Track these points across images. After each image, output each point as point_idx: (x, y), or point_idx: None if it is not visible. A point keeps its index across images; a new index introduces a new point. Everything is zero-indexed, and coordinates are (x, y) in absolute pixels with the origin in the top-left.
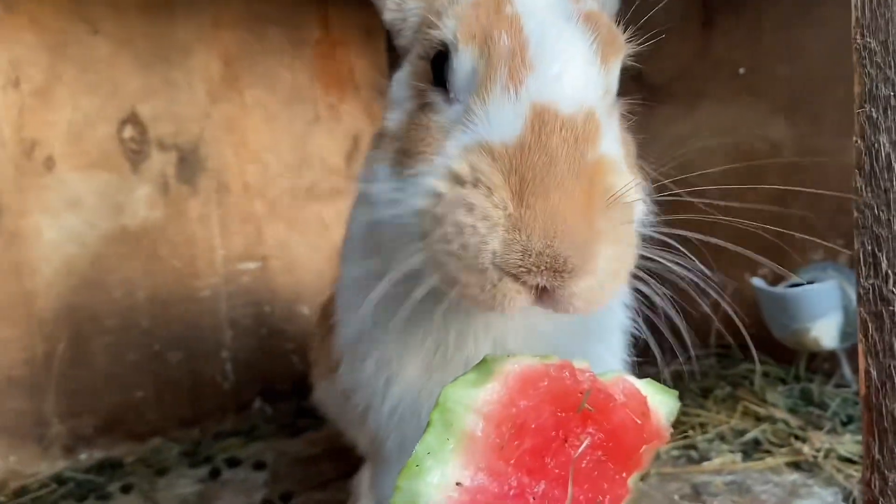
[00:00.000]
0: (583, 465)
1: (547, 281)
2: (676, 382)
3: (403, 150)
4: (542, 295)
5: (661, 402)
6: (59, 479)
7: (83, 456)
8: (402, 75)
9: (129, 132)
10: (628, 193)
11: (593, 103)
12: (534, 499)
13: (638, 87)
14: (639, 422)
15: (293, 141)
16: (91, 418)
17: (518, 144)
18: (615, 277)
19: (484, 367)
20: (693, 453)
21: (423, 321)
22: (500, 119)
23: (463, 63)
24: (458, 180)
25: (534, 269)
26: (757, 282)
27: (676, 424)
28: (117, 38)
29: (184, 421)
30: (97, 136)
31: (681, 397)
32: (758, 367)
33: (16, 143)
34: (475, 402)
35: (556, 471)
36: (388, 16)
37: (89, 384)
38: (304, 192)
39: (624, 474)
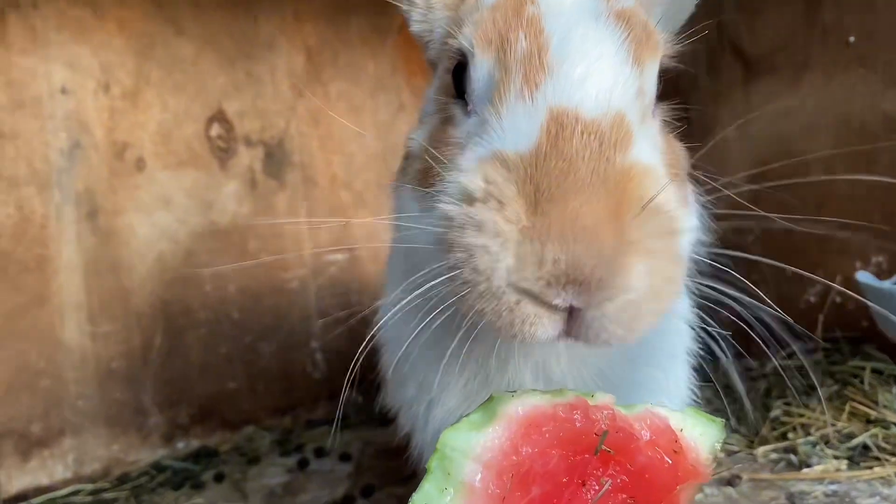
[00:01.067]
0: None
1: (572, 298)
2: (777, 378)
3: (424, 170)
4: (572, 321)
5: (701, 435)
6: (158, 467)
7: (180, 444)
8: (430, 91)
9: (216, 130)
10: (669, 203)
11: (623, 106)
12: None
13: (736, 59)
14: (668, 461)
15: (378, 131)
16: (187, 408)
17: (533, 152)
18: (657, 297)
19: (489, 407)
20: (792, 458)
21: (463, 346)
22: (515, 127)
23: (479, 71)
24: (469, 198)
25: (552, 280)
26: (863, 276)
27: (776, 425)
28: (201, 38)
29: (276, 410)
30: (185, 136)
31: (782, 395)
32: (869, 364)
33: (108, 146)
34: (474, 449)
35: None
36: (416, 27)
37: (184, 375)
38: (390, 180)
39: None
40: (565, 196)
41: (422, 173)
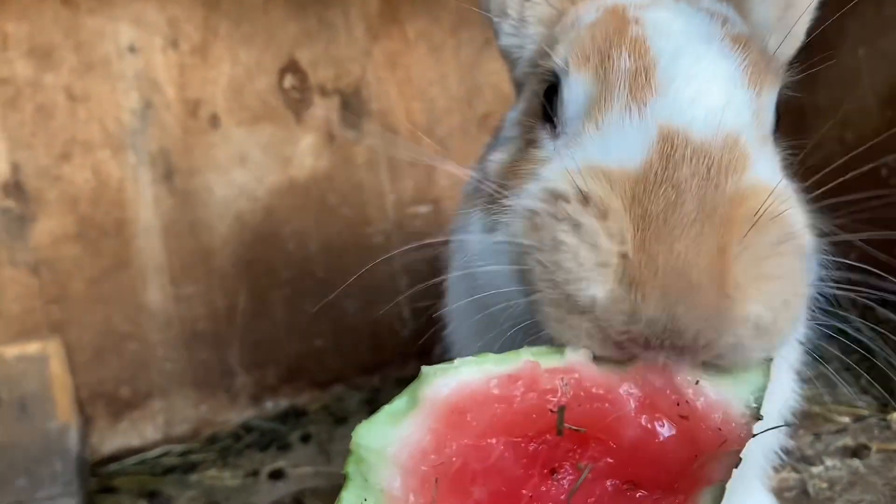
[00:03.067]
0: (591, 501)
1: (666, 357)
2: None
3: (498, 191)
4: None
5: (732, 385)
6: (247, 427)
7: (269, 404)
8: (514, 114)
9: (289, 81)
10: (786, 215)
11: (738, 128)
12: None
13: None
14: (671, 430)
15: (462, 72)
16: (274, 368)
17: (643, 171)
18: (774, 326)
19: (412, 390)
20: None
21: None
22: (620, 141)
23: (574, 90)
24: (560, 196)
25: (642, 339)
26: None
27: None
28: None
29: (365, 368)
30: (258, 89)
31: None
32: None
33: (180, 104)
34: (391, 448)
35: None
36: (505, 41)
37: (270, 335)
38: (475, 124)
39: (679, 499)
40: (671, 234)
41: (496, 194)
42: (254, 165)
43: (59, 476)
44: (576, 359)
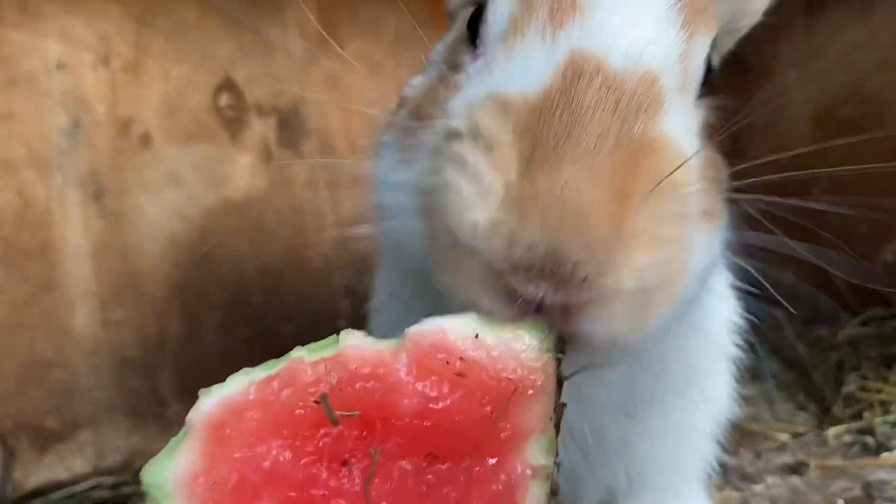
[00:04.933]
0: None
1: (547, 293)
2: (851, 349)
3: (411, 118)
4: (553, 310)
5: (515, 335)
6: None
7: None
8: (440, 43)
9: (225, 100)
10: (689, 182)
11: (660, 66)
12: None
13: None
14: (451, 391)
15: (401, 90)
16: None
17: (540, 98)
18: (666, 290)
19: (190, 414)
20: (869, 440)
21: None
22: (525, 66)
23: (498, 10)
24: (453, 134)
25: (521, 268)
26: None
27: (849, 402)
28: (204, 0)
29: None
30: (192, 107)
31: (857, 367)
32: None
33: (111, 122)
34: (169, 481)
35: None
36: None
37: (204, 362)
38: None
39: (491, 463)
40: (561, 160)
41: (408, 123)
42: (187, 186)
43: None
44: (350, 343)
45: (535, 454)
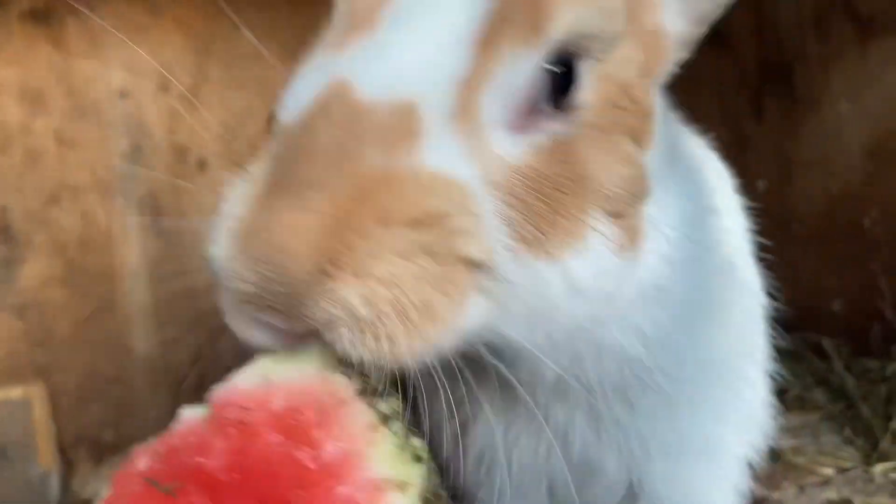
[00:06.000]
0: None
1: (279, 322)
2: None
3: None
4: None
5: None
6: None
7: None
8: None
9: None
10: (441, 214)
11: (420, 94)
12: None
13: (848, 17)
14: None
15: None
16: None
17: (294, 128)
18: (383, 325)
19: None
20: None
21: None
22: (298, 91)
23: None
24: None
25: (247, 300)
26: None
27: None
28: (262, 32)
29: None
30: (248, 134)
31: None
32: None
33: (169, 148)
34: None
35: None
36: None
37: None
38: None
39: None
40: (282, 193)
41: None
42: None
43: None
44: (184, 416)
45: (375, 468)
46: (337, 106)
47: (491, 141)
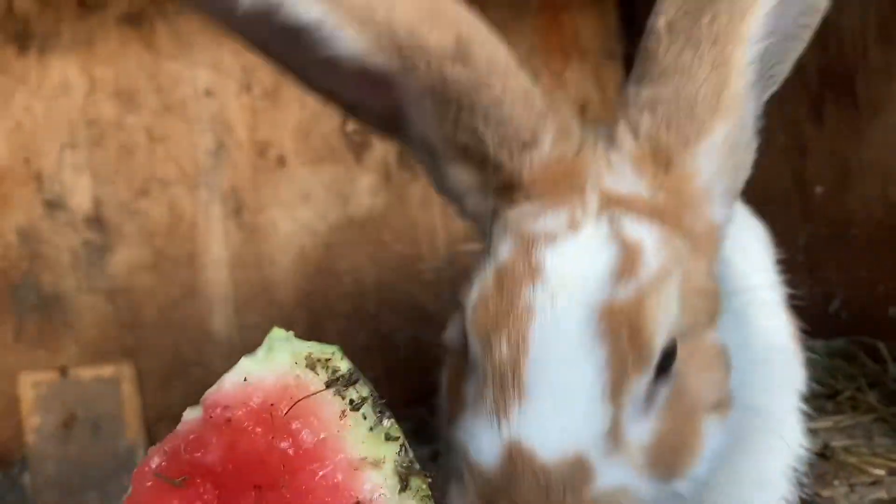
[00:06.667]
0: None
1: None
2: None
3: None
4: None
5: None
6: None
7: None
8: None
9: (351, 125)
10: None
11: (585, 445)
12: None
13: None
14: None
15: None
16: None
17: (492, 477)
18: None
19: None
20: None
21: None
22: (481, 444)
23: (473, 355)
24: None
25: None
26: None
27: None
28: None
29: (413, 399)
30: (323, 131)
31: None
32: None
33: (251, 144)
34: None
35: None
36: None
37: None
38: None
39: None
40: None
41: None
42: (316, 203)
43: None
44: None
45: (350, 450)
46: (528, 467)
47: (633, 440)
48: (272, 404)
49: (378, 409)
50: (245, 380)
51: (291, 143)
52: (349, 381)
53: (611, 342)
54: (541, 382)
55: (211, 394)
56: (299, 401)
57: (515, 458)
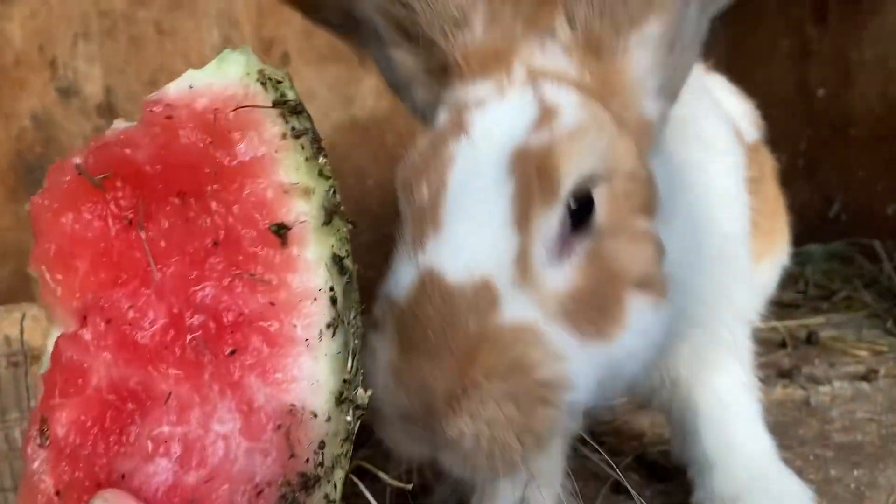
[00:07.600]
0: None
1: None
2: None
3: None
4: None
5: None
6: None
7: None
8: None
9: None
10: (530, 360)
11: (490, 269)
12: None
13: None
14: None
15: None
16: None
17: (405, 304)
18: (502, 447)
19: None
20: None
21: None
22: (399, 279)
23: (400, 208)
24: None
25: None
26: None
27: None
28: None
29: None
30: (325, 33)
31: None
32: None
33: (256, 41)
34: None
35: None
36: None
37: None
38: None
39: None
40: (415, 353)
41: None
42: (320, 102)
43: None
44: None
45: (284, 173)
46: (435, 290)
47: (545, 282)
48: (217, 109)
49: (316, 147)
50: (191, 87)
51: (296, 41)
52: (295, 110)
53: (520, 177)
54: (455, 215)
55: (152, 95)
56: (245, 106)
57: (426, 283)
